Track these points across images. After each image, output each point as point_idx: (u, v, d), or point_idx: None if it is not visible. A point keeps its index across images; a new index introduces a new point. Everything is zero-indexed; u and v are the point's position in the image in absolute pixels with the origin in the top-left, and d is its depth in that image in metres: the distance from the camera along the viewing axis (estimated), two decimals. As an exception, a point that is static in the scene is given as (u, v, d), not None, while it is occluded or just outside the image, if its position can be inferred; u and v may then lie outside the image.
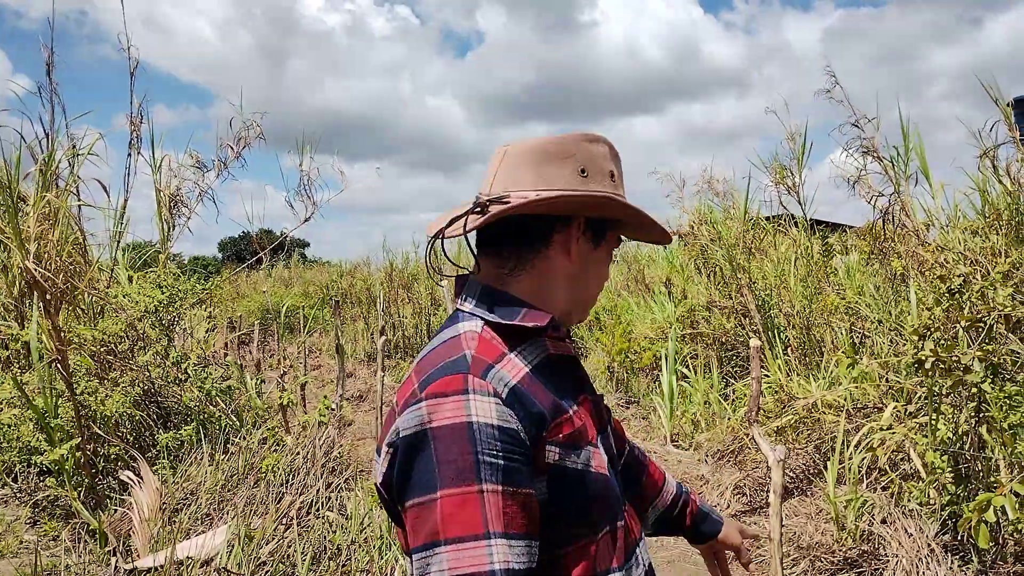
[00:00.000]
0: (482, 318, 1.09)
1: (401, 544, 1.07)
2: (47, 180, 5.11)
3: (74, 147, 5.67)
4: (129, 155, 6.95)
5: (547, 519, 1.00)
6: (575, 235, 1.13)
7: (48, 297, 4.23)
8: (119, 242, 6.73)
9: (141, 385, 5.29)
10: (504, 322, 1.08)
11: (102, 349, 5.24)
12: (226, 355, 8.83)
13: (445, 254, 1.20)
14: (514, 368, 1.03)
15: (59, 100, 6.04)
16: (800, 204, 6.73)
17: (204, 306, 7.06)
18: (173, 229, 7.22)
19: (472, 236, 1.10)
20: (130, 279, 6.37)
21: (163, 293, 5.73)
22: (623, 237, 1.28)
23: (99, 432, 4.74)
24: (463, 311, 1.13)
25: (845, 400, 4.72)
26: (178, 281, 6.09)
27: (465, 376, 0.97)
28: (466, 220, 1.09)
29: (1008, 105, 5.18)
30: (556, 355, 1.13)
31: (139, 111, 7.04)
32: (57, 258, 4.33)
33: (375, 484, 1.05)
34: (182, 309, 6.04)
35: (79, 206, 5.76)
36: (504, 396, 0.96)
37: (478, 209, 1.09)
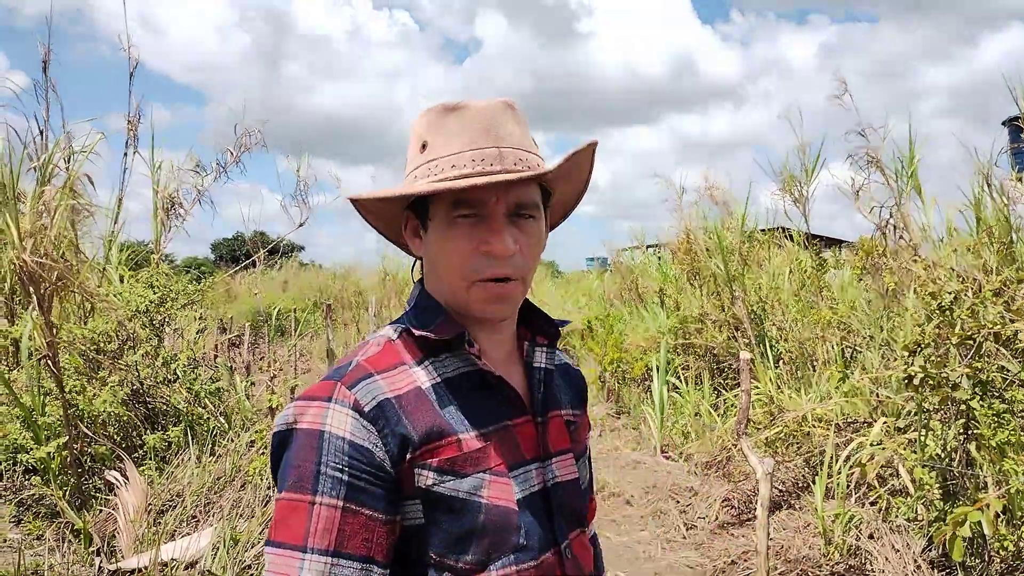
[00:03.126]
0: (403, 323, 1.06)
1: None
2: (44, 177, 5.09)
3: (70, 145, 5.66)
4: (125, 154, 6.95)
5: (421, 545, 0.96)
6: (405, 226, 1.09)
7: (43, 291, 4.21)
8: (113, 241, 6.71)
9: (130, 385, 5.26)
10: (414, 332, 1.02)
11: (91, 348, 5.21)
12: (216, 357, 8.79)
13: None
14: (403, 381, 0.97)
15: (56, 96, 6.04)
16: (804, 216, 6.72)
17: (195, 307, 7.03)
18: (169, 230, 7.21)
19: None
20: (122, 278, 6.34)
21: (155, 293, 5.71)
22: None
23: (86, 431, 4.71)
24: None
25: (835, 414, 4.72)
26: (170, 281, 6.07)
27: (334, 384, 0.95)
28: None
29: (1003, 124, 5.22)
30: (487, 371, 1.03)
31: (137, 111, 7.06)
32: (53, 254, 4.30)
33: None
34: (173, 310, 6.02)
35: (73, 204, 5.74)
36: (367, 410, 0.92)
37: None
